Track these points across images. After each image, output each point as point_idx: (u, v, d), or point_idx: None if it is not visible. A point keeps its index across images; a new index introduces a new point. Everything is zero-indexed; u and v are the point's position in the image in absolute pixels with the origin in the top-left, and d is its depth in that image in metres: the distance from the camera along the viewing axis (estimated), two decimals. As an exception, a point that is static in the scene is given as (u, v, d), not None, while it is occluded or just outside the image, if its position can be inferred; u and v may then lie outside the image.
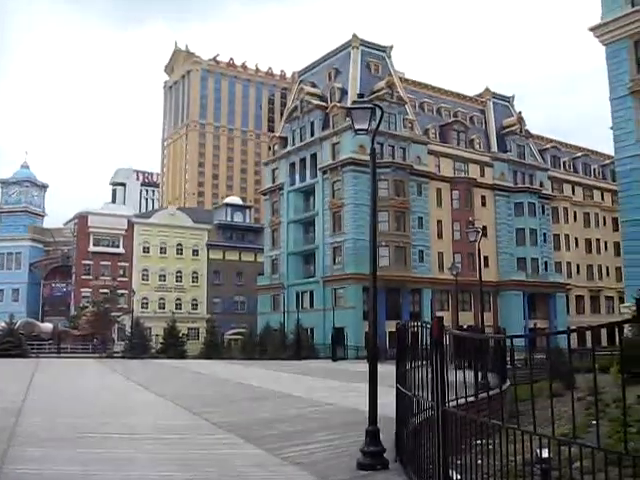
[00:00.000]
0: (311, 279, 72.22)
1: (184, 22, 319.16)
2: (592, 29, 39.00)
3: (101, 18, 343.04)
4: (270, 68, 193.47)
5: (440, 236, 72.53)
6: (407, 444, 9.61)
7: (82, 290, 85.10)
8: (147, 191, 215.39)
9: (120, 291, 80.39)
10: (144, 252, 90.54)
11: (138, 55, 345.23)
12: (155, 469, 9.79)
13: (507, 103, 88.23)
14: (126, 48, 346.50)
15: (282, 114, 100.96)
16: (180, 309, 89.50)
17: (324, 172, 71.35)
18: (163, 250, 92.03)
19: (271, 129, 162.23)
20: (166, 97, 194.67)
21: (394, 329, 13.39)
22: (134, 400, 21.15)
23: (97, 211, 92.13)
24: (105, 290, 79.50)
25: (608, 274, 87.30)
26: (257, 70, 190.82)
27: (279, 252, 78.05)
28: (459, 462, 7.57)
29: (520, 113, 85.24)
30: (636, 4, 37.05)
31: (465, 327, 53.25)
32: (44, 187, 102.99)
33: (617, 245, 68.15)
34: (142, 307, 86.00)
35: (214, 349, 61.25)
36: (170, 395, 21.48)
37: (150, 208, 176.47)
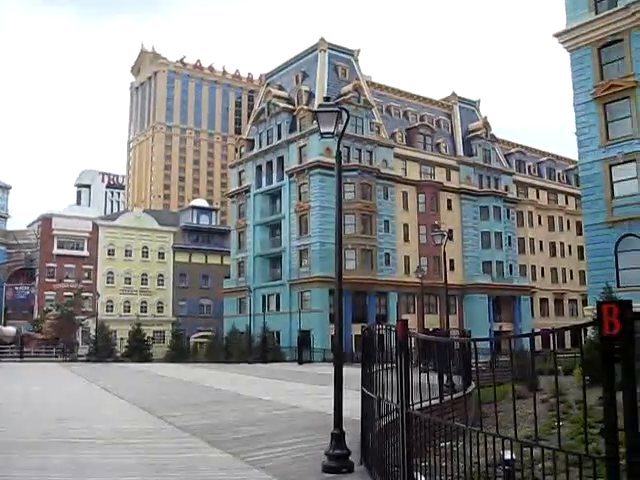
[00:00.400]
0: (277, 282, 72.08)
1: (150, 22, 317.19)
2: (557, 35, 39.47)
3: (66, 14, 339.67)
4: (237, 70, 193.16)
5: (406, 239, 72.83)
6: (372, 447, 9.62)
7: (46, 293, 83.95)
8: (112, 193, 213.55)
9: (84, 294, 79.43)
10: (109, 255, 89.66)
11: (104, 56, 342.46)
12: (118, 474, 9.69)
13: (473, 107, 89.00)
14: (91, 48, 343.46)
15: (249, 117, 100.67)
16: (145, 312, 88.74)
17: (291, 175, 71.29)
18: (128, 253, 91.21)
19: (238, 131, 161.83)
20: (132, 98, 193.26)
21: (360, 332, 13.41)
22: (98, 404, 20.93)
23: (61, 213, 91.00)
24: (69, 293, 78.51)
25: (572, 277, 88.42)
26: (224, 72, 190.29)
27: (245, 255, 77.82)
28: (424, 464, 7.60)
29: (486, 117, 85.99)
30: (599, 12, 37.58)
31: (431, 330, 53.66)
32: (7, 188, 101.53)
33: (581, 249, 69.19)
34: (107, 310, 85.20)
35: (180, 352, 60.80)
36: (134, 399, 21.29)
37: (115, 210, 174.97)
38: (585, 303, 48.39)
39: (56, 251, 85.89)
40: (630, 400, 3.55)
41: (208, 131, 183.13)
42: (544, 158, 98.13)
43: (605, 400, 3.69)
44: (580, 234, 61.30)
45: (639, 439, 3.57)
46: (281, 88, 78.54)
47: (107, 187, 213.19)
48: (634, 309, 3.71)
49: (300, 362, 53.79)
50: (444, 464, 7.15)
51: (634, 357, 3.64)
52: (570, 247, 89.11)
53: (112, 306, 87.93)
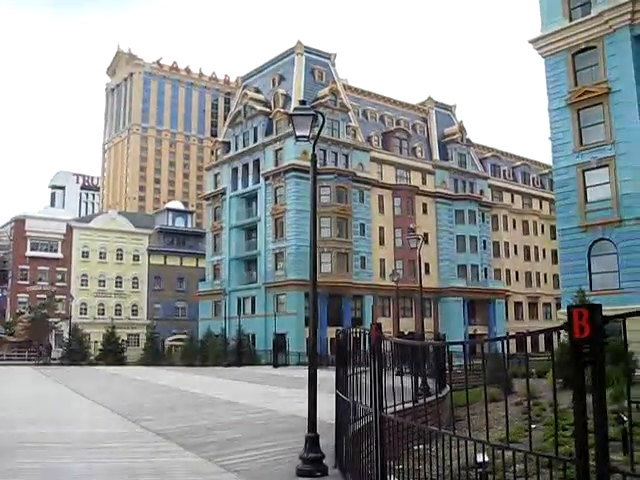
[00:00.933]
0: (253, 285, 71.96)
1: (126, 23, 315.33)
2: (532, 41, 39.83)
3: (40, 12, 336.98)
4: (214, 73, 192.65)
5: (382, 243, 73.02)
6: (346, 450, 9.63)
7: (18, 295, 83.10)
8: (87, 195, 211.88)
9: (58, 297, 78.73)
10: (83, 257, 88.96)
11: (78, 57, 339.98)
12: (90, 479, 9.61)
13: (449, 112, 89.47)
14: (65, 49, 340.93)
15: (225, 119, 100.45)
16: (120, 315, 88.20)
17: (267, 178, 71.22)
18: (103, 255, 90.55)
19: (214, 134, 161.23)
20: (108, 99, 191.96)
21: (335, 335, 13.42)
22: (71, 408, 20.75)
23: (35, 215, 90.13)
24: (42, 296, 77.84)
25: (546, 281, 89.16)
26: (201, 74, 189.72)
27: (221, 258, 77.61)
28: (399, 467, 7.61)
29: (461, 122, 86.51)
30: (574, 19, 37.98)
31: (406, 333, 53.88)
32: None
33: (554, 253, 69.63)
34: (81, 313, 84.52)
35: (154, 355, 60.56)
36: (108, 403, 21.14)
37: (90, 212, 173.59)
38: (559, 306, 48.82)
39: (29, 253, 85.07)
40: (599, 402, 3.59)
41: (184, 133, 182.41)
42: (519, 163, 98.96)
43: (575, 403, 3.72)
44: (554, 238, 61.87)
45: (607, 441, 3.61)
46: (258, 91, 78.47)
47: (82, 189, 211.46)
48: (606, 313, 3.76)
49: (275, 365, 53.71)
50: (419, 467, 7.17)
51: (603, 360, 3.69)
52: (544, 251, 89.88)
53: (86, 309, 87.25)
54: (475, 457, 6.00)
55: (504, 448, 5.15)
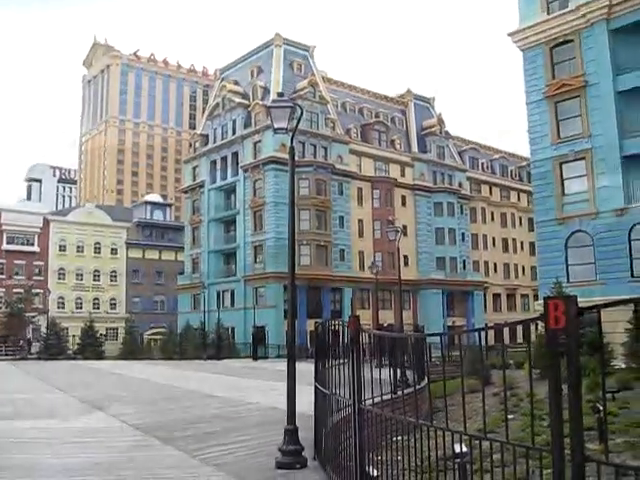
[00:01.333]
0: (232, 278, 71.83)
1: (103, 13, 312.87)
2: (510, 34, 40.00)
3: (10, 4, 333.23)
4: (192, 65, 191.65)
5: (361, 235, 73.15)
6: (326, 442, 9.65)
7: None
8: (64, 188, 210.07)
9: (35, 291, 78.12)
10: (60, 251, 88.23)
11: (54, 48, 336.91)
12: (68, 473, 9.57)
13: (428, 104, 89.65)
14: (41, 39, 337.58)
15: (204, 111, 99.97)
16: (98, 309, 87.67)
17: (245, 170, 71.06)
18: (80, 249, 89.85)
19: (192, 126, 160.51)
20: (84, 91, 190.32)
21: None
22: (49, 403, 20.59)
23: (11, 208, 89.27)
24: (19, 290, 77.10)
25: (524, 273, 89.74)
26: (179, 66, 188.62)
27: (200, 251, 77.39)
28: (378, 458, 7.65)
29: (440, 115, 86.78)
30: (551, 12, 38.18)
31: (385, 325, 54.00)
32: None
33: (532, 245, 70.16)
34: (58, 307, 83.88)
35: (133, 349, 60.30)
36: (86, 397, 21.03)
37: (67, 205, 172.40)
38: (536, 298, 49.18)
39: (5, 247, 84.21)
40: (574, 392, 3.63)
41: (162, 125, 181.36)
42: (497, 155, 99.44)
43: (550, 393, 3.76)
44: (532, 230, 62.17)
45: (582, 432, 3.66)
46: (236, 83, 78.17)
47: (59, 182, 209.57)
48: (582, 304, 3.79)
49: (255, 358, 53.72)
50: (398, 458, 7.21)
51: (578, 351, 3.72)
52: (522, 243, 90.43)
53: (64, 303, 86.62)
54: (453, 448, 6.05)
55: (481, 439, 5.19)
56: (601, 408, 11.13)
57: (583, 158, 36.12)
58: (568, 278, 34.94)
